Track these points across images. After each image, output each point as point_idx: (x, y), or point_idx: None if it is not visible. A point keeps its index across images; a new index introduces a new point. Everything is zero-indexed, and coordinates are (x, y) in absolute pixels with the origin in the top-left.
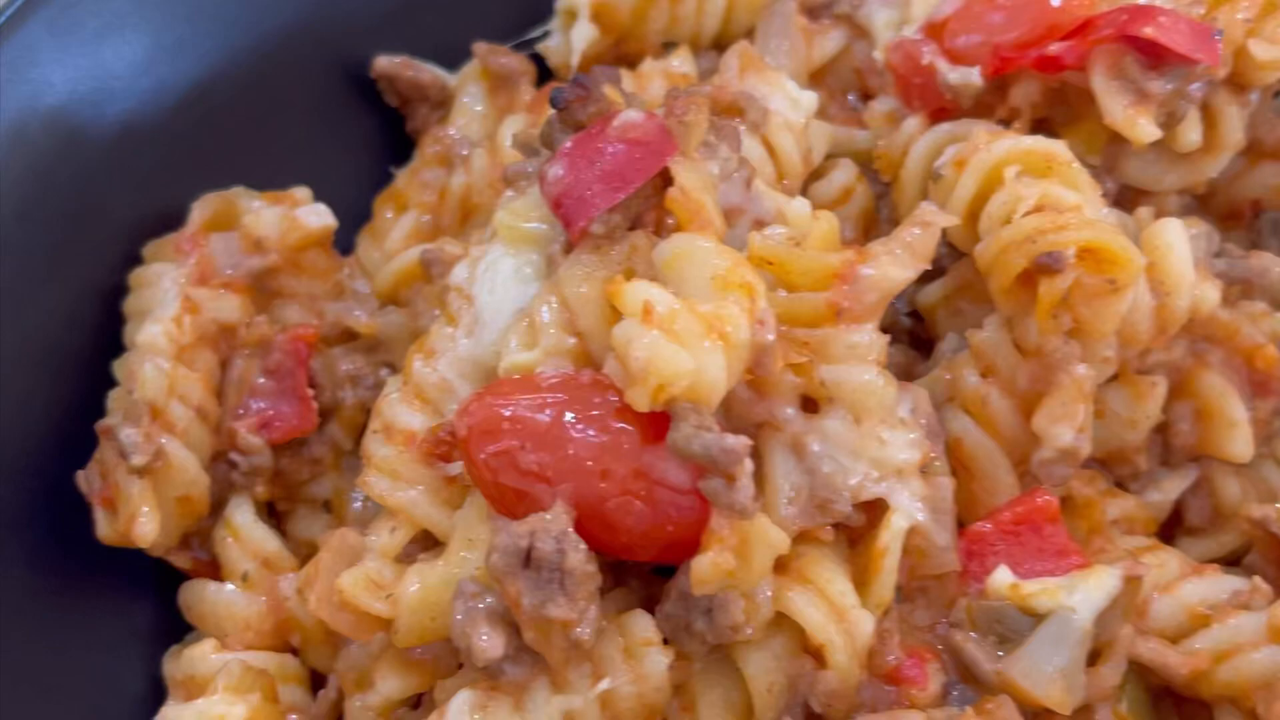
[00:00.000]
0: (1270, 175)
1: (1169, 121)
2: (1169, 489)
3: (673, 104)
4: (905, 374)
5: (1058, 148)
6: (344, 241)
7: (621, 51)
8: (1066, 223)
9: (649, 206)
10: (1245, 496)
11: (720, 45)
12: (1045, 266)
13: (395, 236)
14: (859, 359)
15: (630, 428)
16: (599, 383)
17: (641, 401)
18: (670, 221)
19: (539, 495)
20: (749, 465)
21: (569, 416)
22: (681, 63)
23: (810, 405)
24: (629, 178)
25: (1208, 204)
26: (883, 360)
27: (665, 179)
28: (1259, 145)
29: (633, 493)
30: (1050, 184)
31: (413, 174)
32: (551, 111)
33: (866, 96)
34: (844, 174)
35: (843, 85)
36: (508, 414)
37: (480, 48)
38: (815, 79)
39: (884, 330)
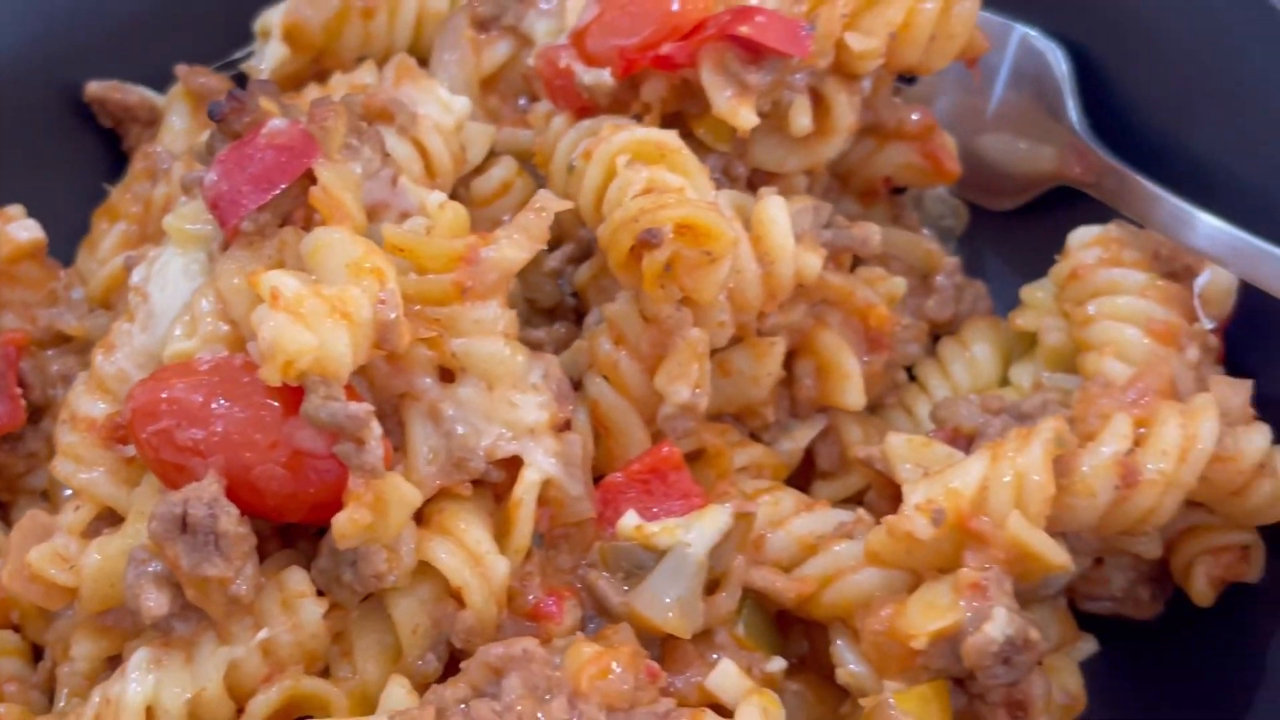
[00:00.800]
0: (897, 154)
1: (776, 110)
2: (799, 438)
3: (314, 112)
4: (567, 347)
5: (668, 137)
6: (69, 254)
7: (320, 68)
8: (666, 203)
9: (297, 205)
10: (868, 441)
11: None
12: (646, 242)
13: (106, 246)
14: (486, 332)
15: (274, 403)
16: (248, 364)
17: (272, 376)
18: (317, 217)
19: (195, 468)
20: (376, 429)
21: (219, 396)
22: (367, 75)
23: (448, 376)
24: (275, 179)
25: (848, 183)
26: (511, 332)
27: (311, 179)
28: (882, 127)
29: (275, 460)
30: (658, 169)
31: (124, 189)
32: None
33: (535, 99)
34: (503, 170)
35: (514, 90)
36: (165, 396)
37: (182, 70)
38: (488, 86)
39: (550, 310)
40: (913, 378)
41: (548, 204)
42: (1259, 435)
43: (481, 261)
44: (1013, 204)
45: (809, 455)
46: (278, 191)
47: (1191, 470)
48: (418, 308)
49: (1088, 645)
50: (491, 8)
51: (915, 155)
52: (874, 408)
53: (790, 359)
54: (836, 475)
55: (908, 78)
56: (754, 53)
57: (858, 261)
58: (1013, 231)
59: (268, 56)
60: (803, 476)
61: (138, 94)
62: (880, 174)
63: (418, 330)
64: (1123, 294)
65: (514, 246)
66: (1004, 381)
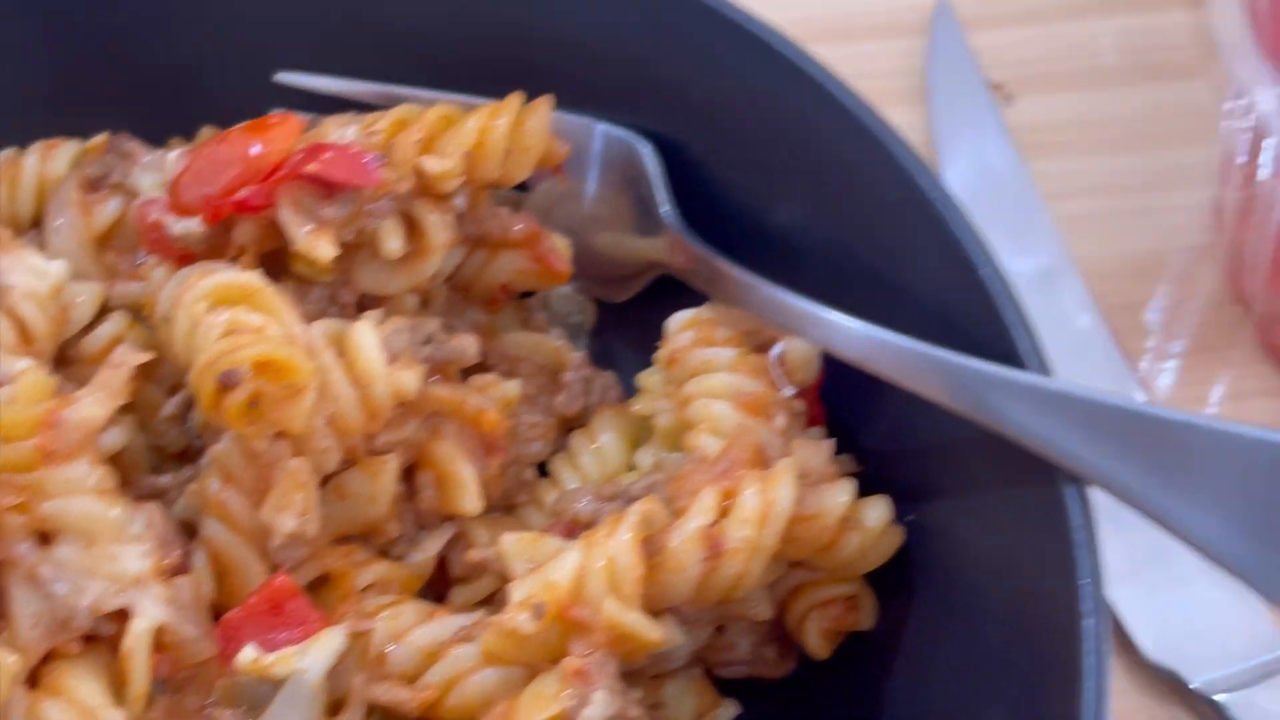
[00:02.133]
0: (509, 262)
1: (362, 238)
2: (428, 548)
3: None
4: None
5: (249, 278)
6: None
7: None
8: (244, 343)
9: None
10: (495, 543)
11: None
12: (224, 384)
13: None
14: (75, 491)
15: None
16: None
17: None
18: None
19: None
20: None
21: None
22: None
23: (50, 537)
24: None
25: (470, 294)
26: (105, 487)
27: None
28: (490, 238)
29: None
30: (239, 310)
31: None
32: None
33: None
34: (111, 325)
35: (130, 245)
36: None
37: None
38: (104, 243)
39: (181, 454)
40: (548, 474)
41: (125, 359)
42: (841, 492)
43: (63, 424)
44: (628, 295)
45: (444, 563)
46: None
47: (772, 533)
48: (4, 476)
49: (728, 711)
50: (99, 168)
51: (526, 261)
52: (509, 508)
53: (412, 472)
54: (470, 579)
55: (523, 186)
56: (326, 187)
57: (476, 369)
58: (637, 319)
59: None
60: (442, 584)
61: None
62: (496, 282)
63: (3, 499)
64: (715, 371)
65: (95, 404)
66: (631, 467)
